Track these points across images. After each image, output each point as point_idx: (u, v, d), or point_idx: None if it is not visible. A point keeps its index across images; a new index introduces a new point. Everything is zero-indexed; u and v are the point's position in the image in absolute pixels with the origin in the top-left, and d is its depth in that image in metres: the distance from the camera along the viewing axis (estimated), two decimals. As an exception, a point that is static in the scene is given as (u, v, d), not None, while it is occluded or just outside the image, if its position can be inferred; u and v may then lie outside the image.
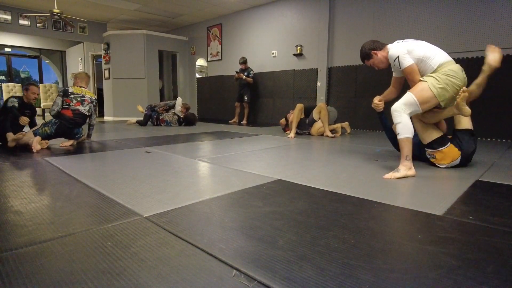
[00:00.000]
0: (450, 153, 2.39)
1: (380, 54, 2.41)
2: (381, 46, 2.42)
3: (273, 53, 6.96)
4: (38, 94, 3.79)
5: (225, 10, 7.57)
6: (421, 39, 2.44)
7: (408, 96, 2.22)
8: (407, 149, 2.17)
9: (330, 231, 1.27)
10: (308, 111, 4.79)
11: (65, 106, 3.51)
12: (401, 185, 1.99)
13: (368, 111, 5.60)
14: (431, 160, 2.50)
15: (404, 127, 2.18)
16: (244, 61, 6.76)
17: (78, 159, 2.81)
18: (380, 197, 1.72)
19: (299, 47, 6.39)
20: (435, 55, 2.24)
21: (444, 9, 4.59)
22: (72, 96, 3.56)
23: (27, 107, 3.67)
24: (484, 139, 4.34)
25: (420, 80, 2.24)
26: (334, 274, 0.95)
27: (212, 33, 8.32)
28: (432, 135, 2.41)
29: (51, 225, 1.30)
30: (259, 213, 1.46)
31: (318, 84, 6.14)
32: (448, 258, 1.05)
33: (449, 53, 2.38)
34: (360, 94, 5.66)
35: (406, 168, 2.15)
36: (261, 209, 1.52)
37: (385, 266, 1.00)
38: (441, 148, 2.40)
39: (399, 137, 2.20)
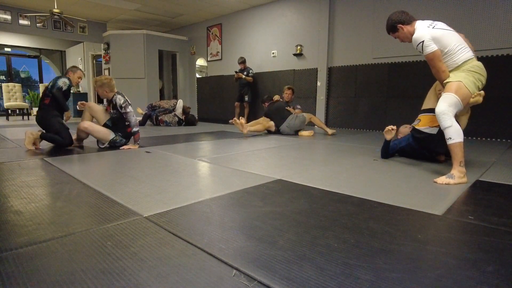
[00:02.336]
0: (431, 119, 2.48)
1: (406, 29, 2.31)
2: (410, 20, 2.32)
3: (273, 53, 6.96)
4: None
5: (225, 10, 7.57)
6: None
7: (452, 97, 2.12)
8: (461, 154, 2.03)
9: (330, 231, 1.27)
10: (278, 111, 4.81)
11: (128, 124, 3.43)
12: (401, 185, 1.99)
13: (368, 111, 5.60)
14: (415, 125, 2.62)
15: (455, 131, 2.04)
16: (243, 61, 6.78)
17: (78, 159, 2.81)
18: (380, 197, 1.72)
19: (299, 47, 6.39)
20: (462, 52, 2.20)
21: (445, 9, 4.60)
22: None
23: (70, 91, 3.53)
24: (484, 139, 4.34)
25: (449, 79, 2.23)
26: (334, 274, 0.95)
27: (212, 33, 8.32)
28: (432, 103, 2.51)
29: (51, 225, 1.30)
30: (259, 213, 1.46)
31: (318, 84, 6.14)
32: (448, 258, 1.05)
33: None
34: (360, 94, 5.66)
35: (461, 174, 2.02)
36: (261, 209, 1.52)
37: (385, 266, 1.00)
38: (429, 114, 2.53)
39: (451, 142, 2.05)
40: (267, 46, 7.06)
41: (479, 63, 2.23)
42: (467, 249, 1.13)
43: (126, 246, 1.12)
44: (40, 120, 3.36)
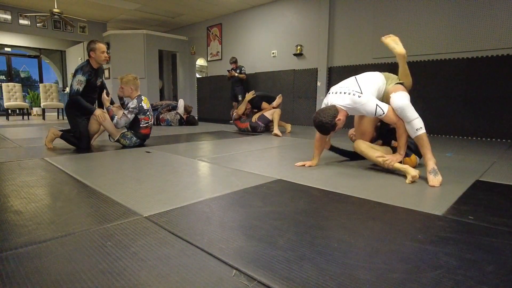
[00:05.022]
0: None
1: (342, 117, 2.22)
2: (335, 110, 2.22)
3: (273, 53, 6.96)
4: (107, 52, 3.26)
5: (225, 10, 7.57)
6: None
7: (405, 94, 2.17)
8: (428, 142, 2.08)
9: (330, 231, 1.27)
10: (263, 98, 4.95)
11: (145, 125, 3.36)
12: (401, 185, 1.99)
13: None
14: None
15: (421, 121, 2.07)
16: (234, 61, 6.93)
17: (78, 159, 2.81)
18: (380, 197, 1.72)
19: (299, 47, 6.39)
20: (381, 82, 2.30)
21: (445, 10, 4.59)
22: (148, 113, 3.37)
23: (97, 73, 3.26)
24: (484, 139, 4.34)
25: (397, 83, 2.30)
26: (334, 274, 0.95)
27: (212, 33, 8.32)
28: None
29: (51, 225, 1.30)
30: (259, 213, 1.46)
31: (318, 84, 6.14)
32: (448, 258, 1.05)
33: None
34: (360, 94, 5.65)
35: (433, 163, 2.03)
36: (261, 209, 1.52)
37: (385, 266, 1.00)
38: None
39: (421, 132, 2.05)
40: (267, 46, 7.06)
41: (389, 75, 2.40)
42: (467, 249, 1.13)
43: (126, 246, 1.12)
44: (66, 115, 3.32)
